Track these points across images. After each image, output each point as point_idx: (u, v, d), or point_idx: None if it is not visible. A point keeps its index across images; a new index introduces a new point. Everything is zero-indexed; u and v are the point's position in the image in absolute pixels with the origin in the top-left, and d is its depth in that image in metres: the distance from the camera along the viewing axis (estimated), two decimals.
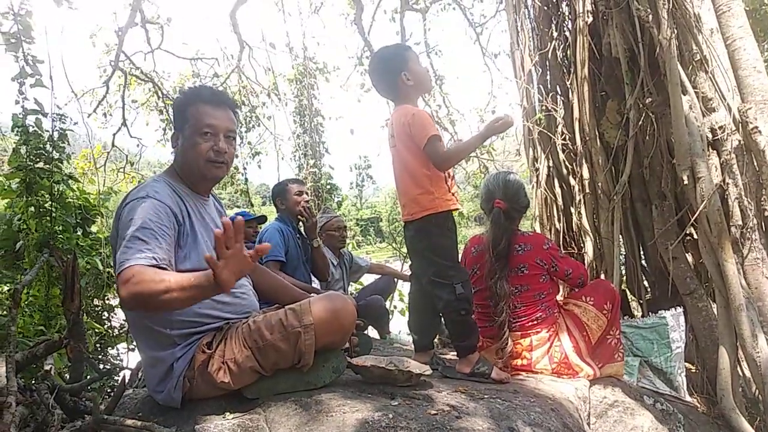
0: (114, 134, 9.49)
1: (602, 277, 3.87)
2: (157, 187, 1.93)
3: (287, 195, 3.97)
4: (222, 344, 1.95)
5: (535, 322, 2.74)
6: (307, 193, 4.00)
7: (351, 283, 5.15)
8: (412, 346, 4.44)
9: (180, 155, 2.07)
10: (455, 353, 2.61)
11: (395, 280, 5.02)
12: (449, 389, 2.17)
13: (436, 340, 4.77)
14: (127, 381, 2.23)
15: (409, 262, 2.83)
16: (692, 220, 3.19)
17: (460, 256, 2.79)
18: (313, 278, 4.14)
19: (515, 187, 2.85)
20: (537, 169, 4.31)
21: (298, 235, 3.98)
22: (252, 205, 11.71)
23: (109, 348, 6.22)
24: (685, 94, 3.31)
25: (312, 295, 2.21)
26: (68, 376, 2.37)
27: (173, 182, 2.03)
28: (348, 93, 10.03)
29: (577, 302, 2.84)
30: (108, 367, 2.30)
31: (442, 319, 2.58)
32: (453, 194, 2.55)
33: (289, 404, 1.87)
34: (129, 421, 1.78)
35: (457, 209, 2.56)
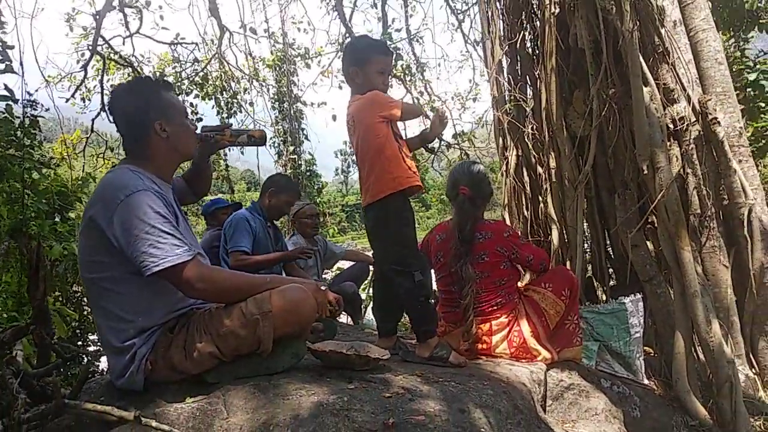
0: (93, 119, 9.37)
1: (567, 264, 3.96)
2: (143, 179, 1.96)
3: (282, 194, 4.00)
4: (184, 330, 2.00)
5: (495, 308, 2.83)
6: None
7: (326, 268, 5.21)
8: None
9: (169, 141, 2.09)
10: None
11: (369, 266, 5.08)
12: (406, 373, 2.24)
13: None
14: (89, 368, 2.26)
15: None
16: (651, 208, 3.28)
17: (420, 243, 2.86)
18: None
19: (480, 175, 2.92)
20: (506, 158, 4.38)
21: (269, 224, 4.01)
22: (233, 192, 11.71)
23: (89, 334, 6.25)
24: (646, 86, 3.38)
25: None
26: (35, 362, 2.41)
27: (147, 174, 2.04)
28: (330, 79, 10.03)
29: (536, 288, 2.92)
30: (73, 353, 2.33)
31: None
32: (413, 172, 2.59)
33: (248, 388, 1.92)
34: (89, 405, 1.82)
35: (419, 185, 2.59)
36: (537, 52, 4.17)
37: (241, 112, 10.76)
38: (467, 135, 9.35)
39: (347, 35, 8.95)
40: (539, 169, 4.18)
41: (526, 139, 4.18)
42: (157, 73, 10.19)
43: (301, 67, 10.23)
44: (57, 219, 5.07)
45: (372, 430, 1.69)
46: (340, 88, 9.67)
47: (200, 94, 10.29)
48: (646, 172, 3.28)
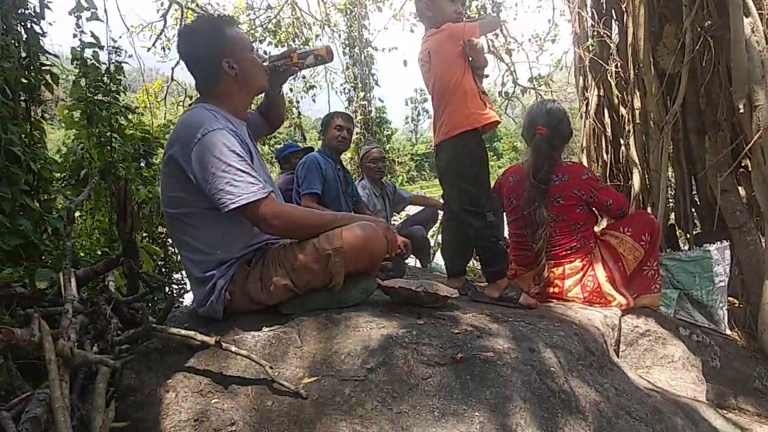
0: (173, 68, 9.64)
1: (649, 210, 3.78)
2: (218, 118, 2.00)
3: (329, 127, 4.01)
4: (261, 263, 2.07)
5: (569, 252, 2.75)
6: (349, 129, 4.01)
7: (395, 213, 5.23)
8: None
9: (238, 79, 2.12)
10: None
11: (438, 211, 5.06)
12: (475, 312, 2.24)
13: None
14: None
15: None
16: (746, 149, 3.04)
17: (493, 184, 2.79)
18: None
19: (559, 114, 2.80)
20: (586, 99, 4.17)
21: (338, 167, 4.04)
22: (305, 139, 11.86)
23: (174, 272, 6.64)
24: (747, 16, 3.08)
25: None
26: (125, 291, 2.59)
27: (222, 112, 2.08)
28: (401, 23, 9.80)
29: (614, 233, 2.81)
30: (160, 283, 2.48)
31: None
32: (489, 106, 2.54)
33: (321, 320, 1.98)
34: (174, 330, 1.94)
35: (497, 122, 2.55)
36: None
37: None
38: (545, 78, 8.95)
39: None
40: (622, 110, 3.95)
41: (609, 78, 3.94)
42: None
43: (372, 11, 10.06)
44: (142, 163, 5.32)
45: (441, 363, 1.72)
46: (412, 31, 9.43)
47: (273, 41, 10.32)
48: (742, 110, 3.02)
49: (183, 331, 1.93)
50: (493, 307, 2.36)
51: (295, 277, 2.02)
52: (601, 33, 3.88)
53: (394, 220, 5.27)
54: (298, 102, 11.22)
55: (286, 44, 10.45)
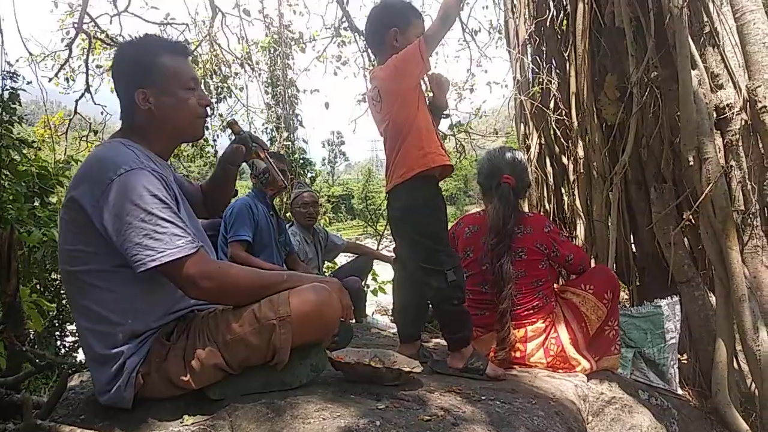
0: (77, 101, 8.89)
1: (593, 262, 3.67)
2: (139, 156, 1.64)
3: (267, 176, 3.63)
4: (184, 336, 1.67)
5: (531, 312, 2.52)
6: (284, 171, 3.66)
7: (327, 261, 4.87)
8: (390, 329, 4.23)
9: (154, 116, 1.74)
10: (442, 341, 2.38)
11: (371, 260, 4.76)
12: (441, 388, 1.93)
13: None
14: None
15: (392, 244, 2.57)
16: (696, 204, 2.98)
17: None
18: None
19: (523, 164, 2.64)
20: (528, 147, 4.07)
21: (271, 213, 3.66)
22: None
23: (68, 324, 5.85)
24: (694, 69, 3.08)
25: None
26: (3, 368, 2.06)
27: (142, 149, 1.71)
28: (324, 65, 9.63)
29: (575, 290, 2.62)
30: (49, 362, 1.97)
31: (431, 308, 2.33)
32: (443, 148, 2.32)
33: (260, 407, 1.61)
34: (66, 428, 1.49)
35: (451, 166, 2.31)
36: (565, 31, 3.84)
37: (231, 96, 10.33)
38: (464, 126, 9.01)
39: (343, 20, 8.57)
40: (563, 159, 3.87)
41: (550, 126, 3.86)
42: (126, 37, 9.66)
43: (296, 51, 9.82)
44: (36, 203, 4.68)
45: None
46: (335, 74, 9.30)
47: None
48: (692, 163, 2.98)
49: (78, 430, 1.49)
50: (459, 381, 2.06)
51: (228, 353, 1.64)
52: (544, 81, 3.81)
53: (324, 270, 4.90)
54: (215, 140, 10.69)
55: (203, 80, 9.99)
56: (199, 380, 1.64)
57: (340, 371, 1.89)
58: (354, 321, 4.21)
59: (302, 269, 3.79)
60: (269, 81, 9.30)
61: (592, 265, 3.64)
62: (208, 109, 1.79)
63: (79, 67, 9.64)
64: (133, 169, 1.56)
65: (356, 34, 8.22)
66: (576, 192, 3.71)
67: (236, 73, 10.42)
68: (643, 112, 3.46)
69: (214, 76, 10.11)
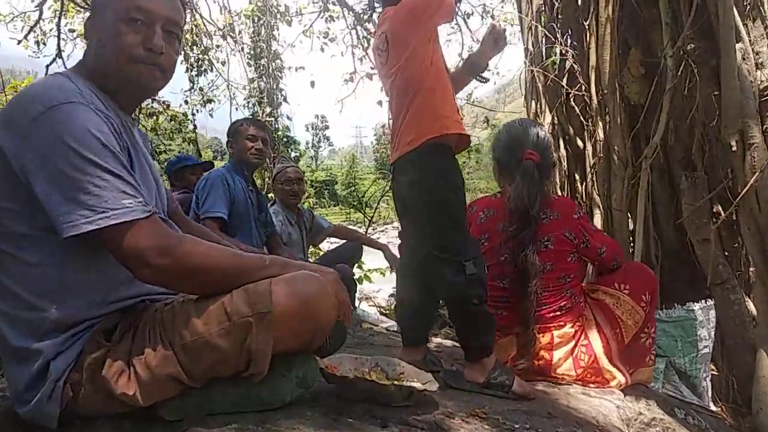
0: (48, 66, 8.33)
1: None
2: (82, 92, 1.22)
3: (238, 137, 3.17)
4: (129, 334, 1.26)
5: (558, 314, 2.13)
6: (264, 140, 3.20)
7: (312, 246, 4.42)
8: (382, 324, 3.83)
9: (92, 51, 1.34)
10: (446, 341, 1.98)
11: (361, 246, 4.33)
12: (461, 411, 1.53)
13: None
14: None
15: (382, 231, 2.15)
16: (740, 195, 2.60)
17: None
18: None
19: (548, 139, 2.24)
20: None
21: (250, 187, 3.21)
22: (200, 156, 10.73)
23: None
24: (738, 42, 2.69)
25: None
26: None
27: (92, 87, 1.30)
28: (310, 41, 9.13)
29: (608, 290, 2.23)
30: None
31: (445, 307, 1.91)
32: (460, 114, 1.95)
33: None
34: None
35: (468, 138, 1.96)
36: None
37: (212, 70, 9.80)
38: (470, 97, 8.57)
39: None
40: (579, 141, 3.47)
41: (567, 104, 3.45)
42: None
43: (281, 23, 9.28)
44: None
45: None
46: (322, 50, 8.81)
47: None
48: (734, 148, 2.60)
49: None
50: (481, 401, 1.65)
51: (188, 359, 1.22)
52: (562, 52, 3.39)
53: (309, 255, 4.44)
54: (193, 115, 10.17)
55: (182, 52, 9.45)
56: (148, 394, 1.22)
57: (335, 386, 1.47)
58: None
59: (286, 253, 3.35)
60: (252, 53, 8.75)
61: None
62: (152, 53, 1.31)
63: (51, 30, 9.11)
64: (71, 102, 1.16)
65: (345, 9, 7.77)
66: (593, 178, 3.32)
67: (218, 46, 9.92)
68: (672, 90, 3.08)
69: (194, 47, 9.60)
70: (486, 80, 2.20)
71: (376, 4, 2.19)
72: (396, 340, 2.83)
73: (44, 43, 9.34)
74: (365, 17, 7.74)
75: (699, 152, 3.00)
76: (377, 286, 6.65)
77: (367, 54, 7.91)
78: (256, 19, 8.59)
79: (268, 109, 8.51)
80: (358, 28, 7.98)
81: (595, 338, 2.13)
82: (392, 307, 5.53)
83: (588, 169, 3.35)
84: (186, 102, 10.13)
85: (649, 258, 3.23)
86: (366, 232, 7.09)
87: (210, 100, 10.05)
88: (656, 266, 3.25)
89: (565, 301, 2.13)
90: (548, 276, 2.10)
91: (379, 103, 7.31)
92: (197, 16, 9.62)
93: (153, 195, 1.40)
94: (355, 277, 3.94)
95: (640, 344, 2.24)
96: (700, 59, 2.91)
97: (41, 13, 8.68)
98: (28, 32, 8.99)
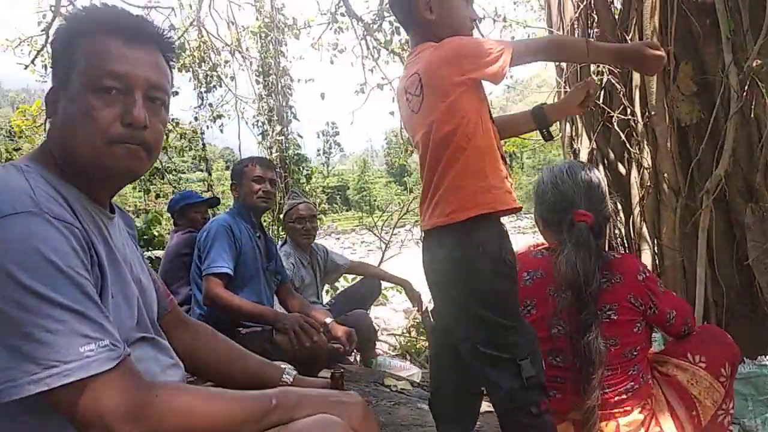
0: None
1: None
2: (35, 191, 0.95)
3: (243, 178, 2.88)
4: None
5: (624, 397, 1.79)
6: (272, 181, 2.90)
7: (326, 285, 4.12)
8: (405, 372, 3.50)
9: (57, 132, 1.07)
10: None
11: (380, 283, 4.02)
12: None
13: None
14: None
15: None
16: None
17: None
18: None
19: (601, 188, 1.89)
20: (575, 152, 3.31)
21: (258, 234, 2.91)
22: (210, 173, 10.52)
23: None
24: None
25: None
26: None
27: (54, 181, 1.02)
28: (319, 53, 8.90)
29: (680, 363, 1.88)
30: None
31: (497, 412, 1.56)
32: (510, 183, 1.65)
33: None
34: None
35: (520, 208, 1.66)
36: (628, 7, 3.07)
37: (221, 86, 9.62)
38: None
39: (341, 4, 7.84)
40: (621, 168, 3.12)
41: (611, 126, 3.09)
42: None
43: (289, 37, 9.04)
44: None
45: None
46: (332, 62, 8.56)
47: (177, 65, 9.05)
48: None
49: None
50: None
51: None
52: (605, 70, 3.04)
53: (325, 295, 4.12)
54: (203, 132, 10.02)
55: (191, 68, 9.27)
56: None
57: None
58: (363, 364, 3.49)
59: (298, 302, 3.05)
60: (260, 69, 8.49)
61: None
62: (134, 129, 1.03)
63: None
64: (17, 213, 0.88)
65: (354, 20, 7.53)
66: (641, 210, 2.96)
67: (226, 61, 9.75)
68: (720, 111, 2.72)
69: (203, 63, 9.43)
70: (551, 138, 1.90)
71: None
72: (425, 409, 2.52)
73: (52, 67, 9.25)
74: (374, 27, 7.53)
75: (764, 181, 2.63)
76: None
77: (377, 65, 7.68)
78: (263, 35, 8.33)
79: (278, 128, 8.23)
80: (368, 38, 7.75)
81: (668, 425, 1.80)
82: (410, 338, 5.23)
83: (633, 200, 2.99)
84: (196, 119, 10.00)
85: (709, 306, 2.86)
86: (384, 253, 6.80)
87: (220, 116, 9.91)
88: (710, 310, 2.88)
89: (632, 381, 1.79)
90: (612, 353, 1.76)
91: (391, 113, 7.07)
92: (204, 33, 9.47)
93: (134, 310, 1.10)
94: (374, 320, 3.63)
95: (718, 423, 1.88)
96: (765, 77, 2.55)
97: (48, 37, 8.60)
98: (35, 56, 8.93)
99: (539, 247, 2.02)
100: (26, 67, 8.84)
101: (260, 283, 2.83)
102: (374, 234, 7.62)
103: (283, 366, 1.43)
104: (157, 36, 1.12)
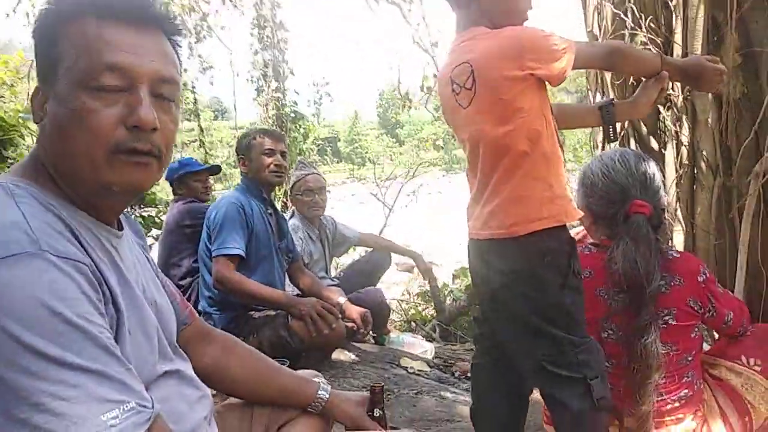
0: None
1: None
2: (30, 224, 0.78)
3: (252, 152, 2.70)
4: None
5: (677, 405, 1.69)
6: (283, 153, 2.72)
7: (334, 257, 3.98)
8: (421, 351, 3.42)
9: (48, 140, 0.90)
10: None
11: (390, 255, 3.89)
12: None
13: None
14: None
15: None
16: None
17: None
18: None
19: (657, 177, 1.73)
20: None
21: (269, 210, 2.75)
22: (201, 130, 10.22)
23: None
24: None
25: None
26: None
27: (51, 200, 0.86)
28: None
29: (734, 366, 1.78)
30: None
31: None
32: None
33: None
34: None
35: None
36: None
37: (211, 36, 9.23)
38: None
39: None
40: (653, 143, 2.96)
41: None
42: None
43: None
44: None
45: None
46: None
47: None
48: None
49: None
50: None
51: None
52: (645, 36, 2.83)
53: (333, 269, 3.98)
54: (194, 86, 9.70)
55: (180, 18, 8.90)
56: None
57: None
58: (375, 341, 3.40)
59: (310, 280, 2.93)
60: (255, 22, 8.11)
61: None
62: (141, 132, 0.86)
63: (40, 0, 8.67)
64: (12, 255, 0.73)
65: None
66: (676, 189, 2.82)
67: (217, 10, 9.35)
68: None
69: (192, 12, 9.04)
70: (615, 138, 1.76)
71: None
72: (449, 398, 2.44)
73: (35, 15, 8.92)
74: None
75: None
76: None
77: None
78: None
79: (274, 84, 7.92)
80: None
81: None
82: (415, 305, 5.18)
83: (668, 178, 2.84)
84: (185, 70, 9.67)
85: (751, 297, 2.76)
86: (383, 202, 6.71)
87: (210, 67, 9.57)
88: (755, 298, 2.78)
89: (686, 388, 1.69)
90: (669, 359, 1.65)
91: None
92: None
93: (154, 342, 0.96)
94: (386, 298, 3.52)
95: None
96: None
97: None
98: (17, 3, 8.60)
99: (586, 243, 1.88)
100: (7, 15, 8.47)
101: (273, 263, 2.70)
102: (376, 198, 7.50)
103: (317, 380, 1.32)
104: (160, 17, 0.93)
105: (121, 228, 0.99)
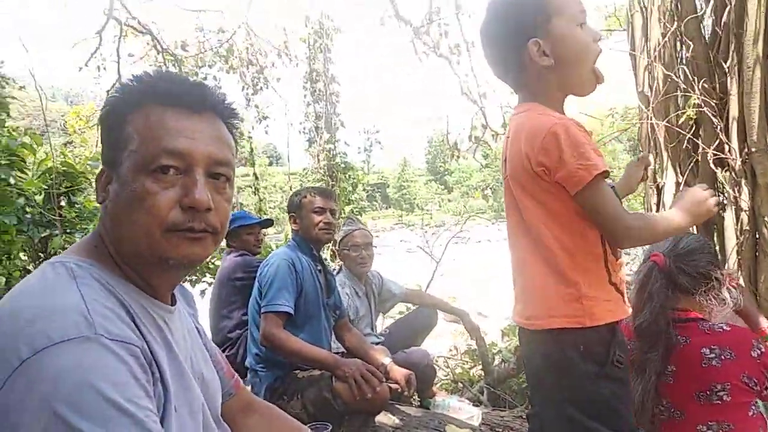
0: (108, 90, 8.56)
1: None
2: (90, 307, 0.84)
3: (302, 210, 2.82)
4: None
5: None
6: (333, 211, 2.84)
7: (380, 313, 4.02)
8: (464, 415, 3.37)
9: (109, 220, 0.98)
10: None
11: (437, 313, 3.90)
12: None
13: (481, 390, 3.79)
14: None
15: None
16: None
17: None
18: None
19: (698, 244, 1.76)
20: (659, 188, 3.13)
21: (318, 267, 2.84)
22: (256, 177, 10.61)
23: None
24: None
25: None
26: None
27: (110, 279, 0.94)
28: (360, 54, 8.89)
29: None
30: None
31: None
32: (620, 290, 1.42)
33: None
34: None
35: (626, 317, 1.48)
36: (726, 32, 2.86)
37: (267, 88, 9.73)
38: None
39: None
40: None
41: (705, 162, 2.89)
42: (178, 42, 9.19)
43: (336, 33, 8.98)
44: (62, 202, 4.32)
45: None
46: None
47: (225, 67, 9.22)
48: None
49: None
50: None
51: None
52: (698, 99, 2.83)
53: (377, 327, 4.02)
54: (250, 135, 10.19)
55: (238, 71, 9.43)
56: None
57: None
58: (420, 404, 3.38)
59: (356, 339, 2.98)
60: (308, 76, 8.49)
61: None
62: (195, 213, 0.96)
63: (110, 55, 9.33)
64: (69, 339, 0.78)
65: (402, 22, 7.49)
66: (737, 257, 2.76)
67: (273, 63, 9.87)
68: None
69: (250, 66, 9.57)
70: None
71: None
72: None
73: (104, 68, 9.62)
74: (423, 30, 7.46)
75: None
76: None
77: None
78: (312, 41, 8.33)
79: (326, 135, 8.21)
80: (415, 41, 7.70)
81: None
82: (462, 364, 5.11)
83: (728, 244, 2.79)
84: (242, 120, 10.12)
85: None
86: (430, 255, 6.70)
87: (265, 117, 10.02)
88: None
89: None
90: None
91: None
92: (252, 35, 9.61)
93: (198, 420, 1.03)
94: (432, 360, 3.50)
95: None
96: None
97: (101, 39, 8.90)
98: (89, 58, 9.27)
99: None
100: (80, 69, 9.17)
101: (320, 321, 2.76)
102: (423, 251, 7.52)
103: None
104: (216, 103, 1.03)
105: (174, 302, 1.07)
